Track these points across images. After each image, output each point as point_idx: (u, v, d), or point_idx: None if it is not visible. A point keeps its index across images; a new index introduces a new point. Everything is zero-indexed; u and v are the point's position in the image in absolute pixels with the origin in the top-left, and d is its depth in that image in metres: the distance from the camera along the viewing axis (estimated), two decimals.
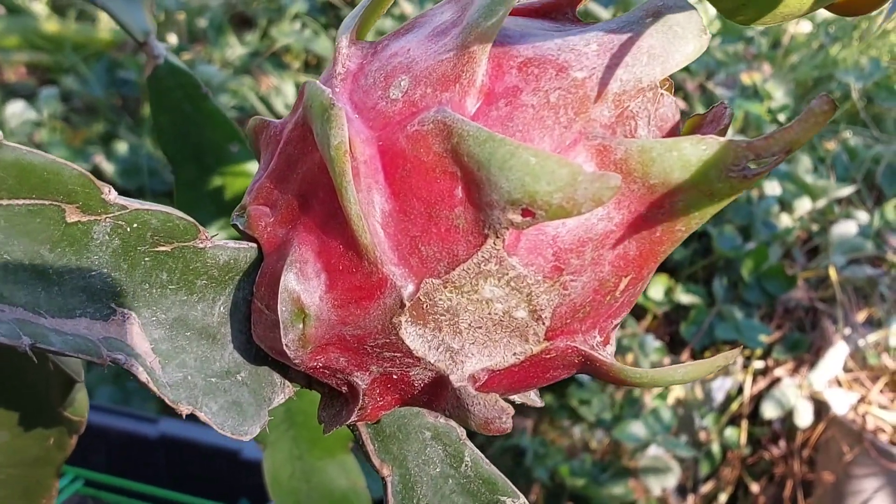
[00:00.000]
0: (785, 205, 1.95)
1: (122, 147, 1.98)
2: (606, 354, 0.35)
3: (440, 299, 0.32)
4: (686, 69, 2.23)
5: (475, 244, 0.31)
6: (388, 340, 0.33)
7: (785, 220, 1.92)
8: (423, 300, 0.32)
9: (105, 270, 0.33)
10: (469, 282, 0.32)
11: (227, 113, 0.68)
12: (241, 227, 0.36)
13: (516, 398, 0.40)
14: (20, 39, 2.11)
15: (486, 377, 0.34)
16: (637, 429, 1.71)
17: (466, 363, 0.33)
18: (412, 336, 0.33)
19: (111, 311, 0.33)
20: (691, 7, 0.35)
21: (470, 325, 0.33)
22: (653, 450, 1.74)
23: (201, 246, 0.35)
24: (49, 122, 2.01)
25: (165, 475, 1.35)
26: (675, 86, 0.35)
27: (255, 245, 0.36)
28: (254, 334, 0.36)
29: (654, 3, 0.35)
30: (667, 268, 1.92)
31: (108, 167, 1.93)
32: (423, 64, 0.33)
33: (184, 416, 0.34)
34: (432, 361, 0.33)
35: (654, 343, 1.78)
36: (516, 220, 0.30)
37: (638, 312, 1.88)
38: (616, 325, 0.36)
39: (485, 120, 0.32)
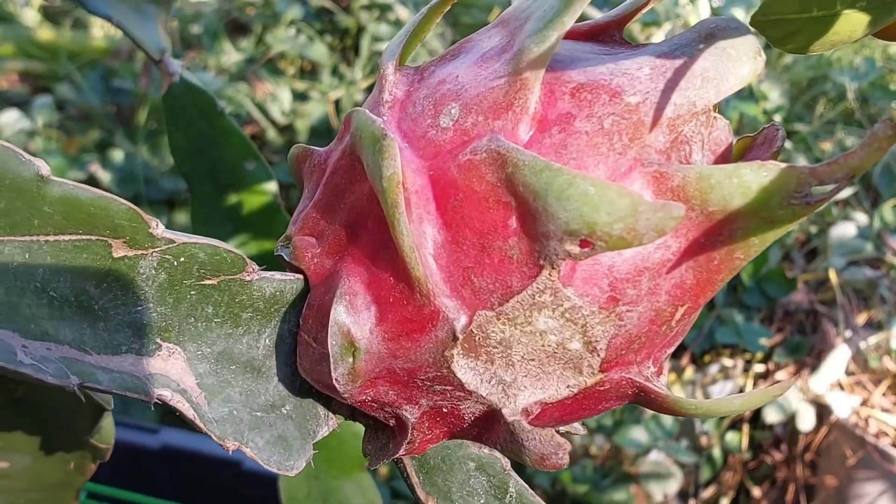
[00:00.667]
0: None
1: (117, 155, 1.97)
2: (661, 385, 0.34)
3: (493, 332, 0.31)
4: None
5: (530, 275, 0.31)
6: (439, 374, 0.32)
7: None
8: (476, 333, 0.31)
9: (151, 305, 0.32)
10: (523, 313, 0.31)
11: None
12: (286, 258, 0.35)
13: (560, 428, 0.40)
14: (14, 48, 2.10)
15: (539, 410, 0.33)
16: (638, 434, 1.70)
17: (519, 396, 0.33)
18: (464, 369, 0.32)
19: (157, 346, 0.33)
20: (746, 29, 0.34)
21: (523, 357, 0.32)
22: (654, 455, 1.74)
23: (248, 278, 0.34)
24: (44, 130, 2.00)
25: (167, 486, 1.34)
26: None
27: (301, 276, 0.35)
28: (299, 367, 0.35)
29: (706, 25, 0.34)
30: None
31: (104, 175, 1.92)
32: (474, 91, 0.33)
33: (230, 452, 0.33)
34: (484, 395, 0.32)
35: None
36: (574, 252, 0.29)
37: None
38: (669, 355, 0.36)
39: (538, 148, 0.31)
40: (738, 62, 0.33)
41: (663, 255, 0.32)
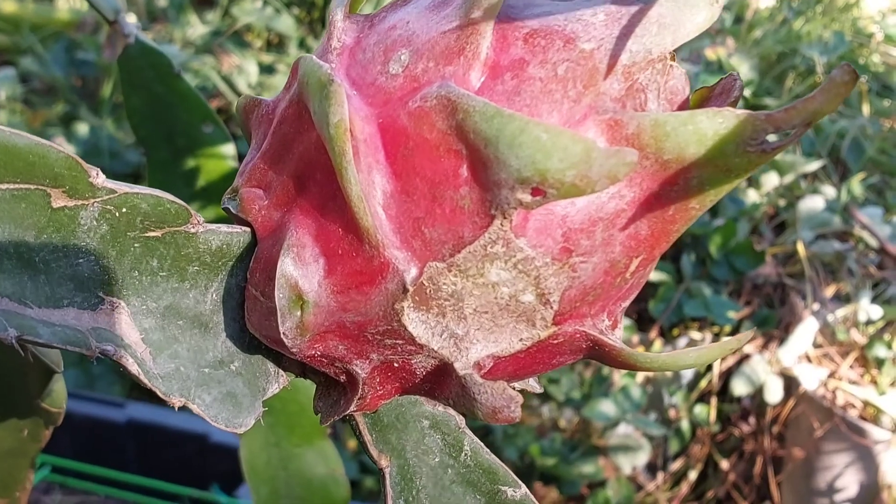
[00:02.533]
0: (752, 180, 1.95)
1: (82, 128, 1.95)
2: (616, 339, 0.34)
3: (444, 284, 0.31)
4: None
5: (481, 225, 0.30)
6: (389, 327, 0.32)
7: (752, 196, 1.92)
8: (427, 285, 0.31)
9: (93, 258, 0.32)
10: (475, 265, 0.30)
11: None
12: (233, 211, 0.34)
13: (515, 385, 0.39)
14: None
15: (492, 364, 0.32)
16: (607, 407, 1.70)
17: (471, 350, 0.32)
18: (415, 322, 0.31)
19: (99, 300, 0.32)
20: None
21: (475, 310, 0.31)
22: (622, 428, 1.74)
23: (193, 231, 0.33)
24: (8, 104, 1.98)
25: (134, 460, 1.33)
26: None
27: (248, 229, 0.34)
28: (248, 322, 0.34)
29: None
30: None
31: (69, 149, 1.90)
32: (425, 37, 0.32)
33: (176, 408, 0.33)
34: (435, 348, 0.32)
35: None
36: (526, 200, 0.29)
37: None
38: (624, 308, 0.35)
39: (490, 94, 0.31)
40: (695, 8, 0.32)
41: (618, 206, 0.31)
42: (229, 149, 0.67)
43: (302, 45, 2.26)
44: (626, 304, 0.35)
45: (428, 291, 0.31)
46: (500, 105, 0.29)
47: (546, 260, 0.31)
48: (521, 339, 0.32)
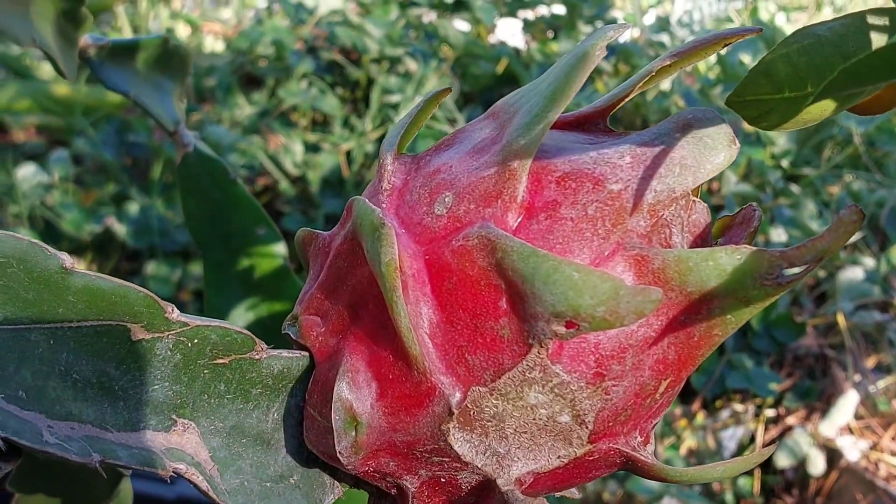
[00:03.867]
0: None
1: (133, 208, 2.00)
2: (647, 454, 0.36)
3: (487, 406, 0.34)
4: None
5: (520, 353, 0.33)
6: (436, 446, 0.34)
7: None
8: (471, 407, 0.34)
9: (167, 384, 0.35)
10: (514, 389, 0.33)
11: (237, 171, 0.69)
12: (293, 336, 0.37)
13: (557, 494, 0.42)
14: (31, 102, 2.13)
15: (532, 479, 0.35)
16: (650, 480, 1.71)
17: (513, 467, 0.35)
18: (460, 442, 0.34)
19: (172, 422, 0.35)
20: (721, 119, 0.36)
21: (515, 430, 0.34)
22: (666, 501, 1.75)
23: (257, 357, 0.36)
24: (61, 184, 2.03)
25: None
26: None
27: (307, 354, 0.37)
28: (306, 439, 0.37)
29: (683, 116, 0.36)
30: None
31: (120, 228, 1.95)
32: (466, 180, 0.35)
33: None
34: (479, 465, 0.34)
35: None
36: (560, 332, 0.31)
37: None
38: (655, 424, 0.38)
39: (526, 234, 0.34)
40: (714, 150, 0.35)
41: (646, 333, 0.34)
42: (280, 248, 0.70)
43: (346, 123, 2.31)
44: (657, 420, 0.37)
45: (472, 413, 0.34)
46: (535, 244, 0.32)
47: (581, 384, 0.33)
48: (558, 457, 0.35)
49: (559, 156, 0.35)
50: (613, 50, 2.32)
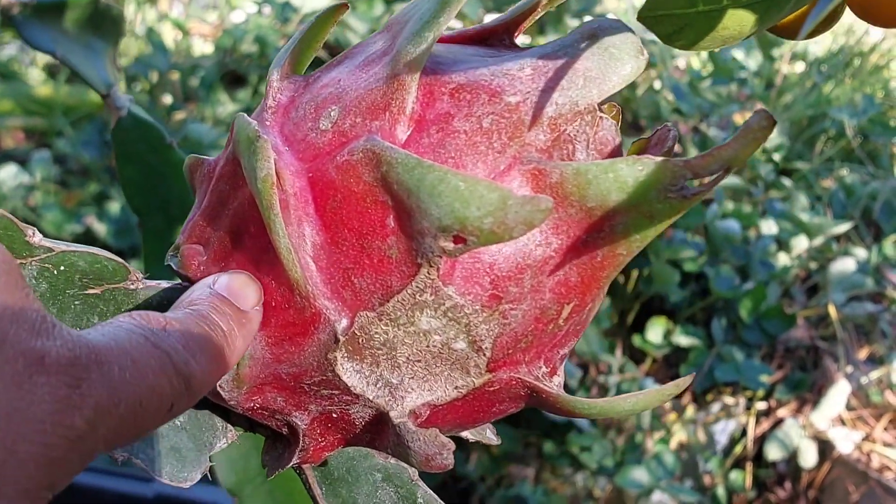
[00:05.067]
0: (782, 243, 1.94)
1: (114, 207, 1.98)
2: (553, 385, 0.34)
3: (376, 333, 0.31)
4: (678, 111, 2.23)
5: (409, 274, 0.31)
6: (324, 378, 0.32)
7: (783, 259, 1.91)
8: (359, 334, 0.31)
9: None
10: (405, 313, 0.31)
11: None
12: (175, 268, 0.35)
13: (469, 436, 0.39)
14: (13, 104, 2.12)
15: (429, 413, 0.33)
16: (640, 475, 1.69)
17: (406, 398, 0.32)
18: (349, 372, 0.32)
19: None
20: (627, 28, 0.34)
21: (408, 358, 0.32)
22: (657, 496, 1.72)
23: (132, 287, 0.34)
24: (42, 185, 2.01)
25: None
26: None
27: (188, 285, 0.35)
28: None
29: (589, 26, 0.34)
30: (664, 310, 1.91)
31: (101, 227, 1.93)
32: (354, 94, 0.33)
33: (119, 463, 0.33)
34: (371, 398, 0.32)
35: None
36: (448, 248, 0.29)
37: (636, 356, 1.87)
38: (564, 355, 0.35)
39: (416, 147, 0.31)
40: (621, 61, 0.33)
41: (545, 252, 0.31)
42: None
43: None
44: (565, 350, 0.35)
45: (360, 341, 0.31)
46: (425, 157, 0.30)
47: (476, 307, 0.31)
48: (456, 387, 0.33)
49: (455, 68, 0.33)
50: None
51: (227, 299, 0.32)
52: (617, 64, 0.33)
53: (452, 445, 0.32)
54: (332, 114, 0.33)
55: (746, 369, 1.78)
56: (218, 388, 0.33)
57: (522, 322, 0.32)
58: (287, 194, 0.31)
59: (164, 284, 0.35)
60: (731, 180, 2.08)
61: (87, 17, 0.63)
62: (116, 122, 0.64)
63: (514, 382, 0.33)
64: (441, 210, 0.29)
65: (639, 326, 1.88)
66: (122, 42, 0.65)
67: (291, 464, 0.35)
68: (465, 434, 0.39)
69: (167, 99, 2.29)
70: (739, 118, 2.33)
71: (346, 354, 0.32)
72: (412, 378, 0.32)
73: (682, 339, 1.83)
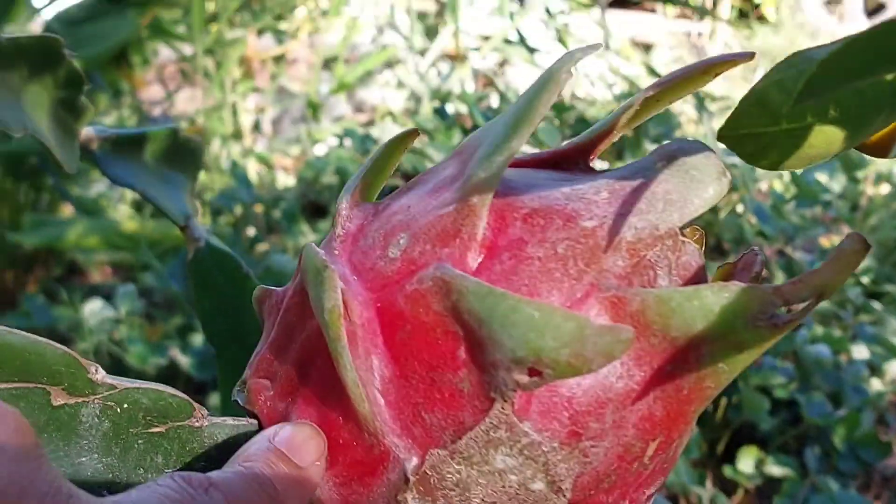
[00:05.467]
0: (874, 368, 1.89)
1: (197, 339, 1.99)
2: None
3: (448, 472, 0.30)
4: (762, 234, 2.21)
5: (482, 409, 0.29)
6: None
7: (876, 385, 1.86)
8: (430, 474, 0.30)
9: (96, 455, 0.31)
10: (478, 451, 0.29)
11: None
12: (241, 403, 0.34)
13: None
14: (100, 239, 2.14)
15: None
16: None
17: None
18: None
19: (104, 498, 0.31)
20: (708, 148, 0.33)
21: (483, 500, 0.30)
22: None
23: (198, 425, 0.33)
24: (127, 318, 2.03)
25: None
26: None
27: (255, 421, 0.34)
28: None
29: (668, 147, 0.33)
30: (755, 439, 1.86)
31: (184, 360, 1.93)
32: (423, 220, 0.32)
33: None
34: None
35: None
36: (523, 381, 0.28)
37: (727, 487, 1.82)
38: (651, 496, 0.33)
39: (487, 275, 0.30)
40: (703, 183, 0.32)
41: (627, 385, 0.30)
42: None
43: None
44: (652, 491, 0.33)
45: (432, 481, 0.30)
46: (498, 286, 0.29)
47: (554, 445, 0.29)
48: None
49: (528, 192, 0.32)
50: None
51: (285, 455, 0.30)
52: (698, 186, 0.31)
53: None
54: (401, 241, 0.32)
55: (843, 500, 1.71)
56: None
57: (605, 460, 0.30)
58: (354, 325, 0.30)
59: (230, 421, 0.33)
60: (821, 305, 2.04)
61: (165, 149, 0.63)
62: (194, 253, 0.63)
63: None
64: (514, 341, 0.27)
65: (729, 456, 1.83)
66: (207, 176, 0.66)
67: None
68: None
69: (251, 231, 2.32)
70: (825, 241, 2.30)
71: (416, 496, 0.30)
72: None
73: (775, 469, 1.78)
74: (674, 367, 0.30)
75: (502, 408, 0.29)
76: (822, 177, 2.47)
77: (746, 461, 1.78)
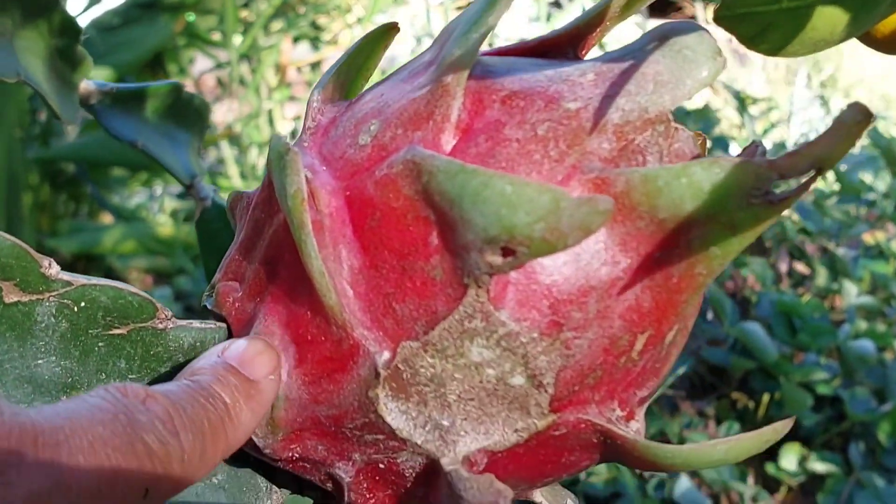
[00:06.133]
0: None
1: None
2: (628, 429, 0.30)
3: (422, 366, 0.28)
4: (804, 231, 2.17)
5: (455, 297, 0.27)
6: (367, 420, 0.28)
7: None
8: (402, 368, 0.28)
9: (54, 358, 0.29)
10: (453, 343, 0.27)
11: None
12: (209, 307, 0.32)
13: (544, 501, 0.35)
14: (136, 244, 2.14)
15: (486, 461, 0.29)
16: None
17: (459, 443, 0.28)
18: (393, 413, 0.28)
19: None
20: (701, 28, 0.31)
21: (460, 396, 0.28)
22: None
23: (161, 327, 0.31)
24: None
25: None
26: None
27: (223, 325, 0.32)
28: None
29: (660, 28, 0.31)
30: (799, 436, 1.82)
31: None
32: (396, 105, 0.30)
33: None
34: (419, 443, 0.28)
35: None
36: (496, 263, 0.26)
37: (770, 485, 1.79)
38: (643, 399, 0.31)
39: (462, 157, 0.28)
40: (696, 63, 0.29)
41: (611, 273, 0.28)
42: None
43: None
44: (645, 392, 0.31)
45: (405, 376, 0.28)
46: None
47: (533, 335, 0.27)
48: (516, 430, 0.29)
49: (508, 75, 0.30)
50: None
51: (234, 368, 0.28)
52: (692, 66, 0.29)
53: (510, 493, 0.27)
54: (372, 128, 0.30)
55: (888, 496, 1.68)
56: (252, 436, 0.29)
57: (589, 353, 0.28)
58: (322, 215, 0.28)
59: (197, 324, 0.31)
60: (865, 300, 2.00)
61: (169, 106, 0.61)
62: (201, 212, 0.62)
63: (582, 426, 0.29)
64: (486, 219, 0.25)
65: (772, 453, 1.80)
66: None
67: None
68: (540, 499, 0.34)
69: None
70: (869, 237, 2.26)
71: (389, 392, 0.28)
72: (465, 419, 0.28)
73: (819, 466, 1.74)
74: (662, 252, 0.28)
75: (477, 295, 0.27)
76: (866, 177, 2.44)
77: (789, 458, 1.75)
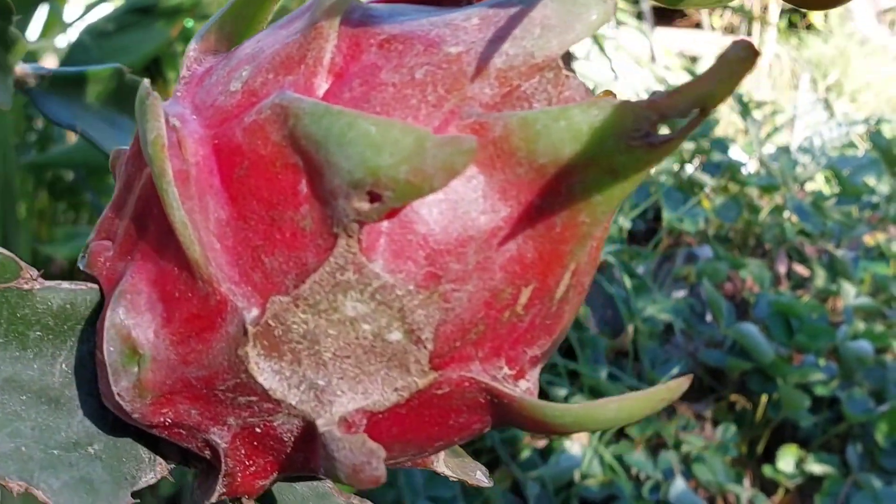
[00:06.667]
0: None
1: None
2: (515, 388, 0.28)
3: (293, 323, 0.26)
4: (803, 233, 2.16)
5: (325, 248, 0.26)
6: (239, 381, 0.27)
7: None
8: (273, 325, 0.26)
9: None
10: (325, 297, 0.26)
11: None
12: (82, 269, 0.31)
13: (449, 472, 0.33)
14: None
15: (366, 422, 0.27)
16: None
17: (336, 403, 0.27)
18: (265, 372, 0.27)
19: None
20: None
21: (335, 354, 0.26)
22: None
23: (27, 287, 0.29)
24: None
25: None
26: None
27: (95, 286, 0.30)
28: (102, 395, 0.30)
29: None
30: (797, 437, 1.81)
31: None
32: (269, 51, 0.29)
33: (16, 494, 0.28)
34: (294, 404, 0.27)
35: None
36: (363, 209, 0.24)
37: (767, 487, 1.77)
38: (535, 358, 0.29)
39: (335, 101, 0.27)
40: (585, 7, 0.28)
41: (491, 221, 0.26)
42: None
43: None
44: (536, 351, 0.29)
45: (276, 333, 0.26)
46: None
47: (409, 288, 0.26)
48: (395, 389, 0.27)
49: (390, 20, 0.29)
50: (718, 167, 2.24)
51: None
52: (581, 10, 0.28)
53: (383, 452, 0.26)
54: (244, 73, 0.28)
55: (886, 498, 1.66)
56: (117, 399, 0.28)
57: (469, 307, 0.27)
58: (188, 164, 0.27)
59: (66, 285, 0.30)
60: (863, 301, 1.99)
61: (112, 92, 0.60)
62: None
63: (466, 384, 0.27)
64: (351, 161, 0.24)
65: (769, 455, 1.78)
66: None
67: (217, 496, 0.30)
68: (443, 469, 0.33)
69: None
70: (870, 239, 2.25)
71: (260, 351, 0.27)
72: (342, 378, 0.27)
73: (816, 468, 1.73)
74: (543, 199, 0.26)
75: (347, 245, 0.25)
76: (870, 180, 2.43)
77: (787, 460, 1.74)
